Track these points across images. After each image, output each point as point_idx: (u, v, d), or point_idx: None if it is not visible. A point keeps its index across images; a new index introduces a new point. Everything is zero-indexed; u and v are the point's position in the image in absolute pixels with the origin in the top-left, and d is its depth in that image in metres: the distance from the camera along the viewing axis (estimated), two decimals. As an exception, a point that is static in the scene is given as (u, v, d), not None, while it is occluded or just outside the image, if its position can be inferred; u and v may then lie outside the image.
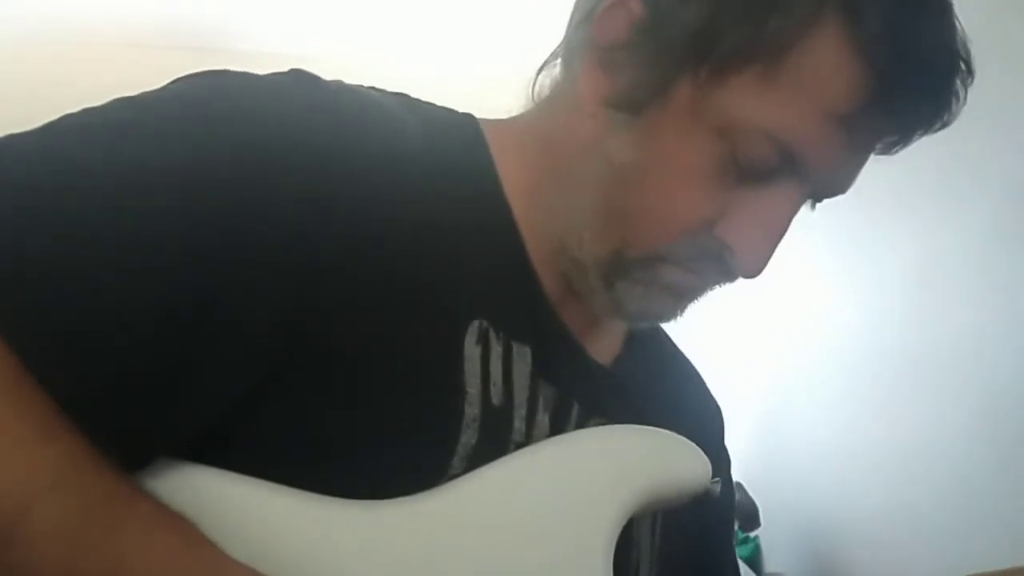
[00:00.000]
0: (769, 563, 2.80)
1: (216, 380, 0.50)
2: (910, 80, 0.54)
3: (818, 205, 0.62)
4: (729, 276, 0.61)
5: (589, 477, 0.58)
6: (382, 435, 0.53)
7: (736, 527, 2.67)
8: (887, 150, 0.59)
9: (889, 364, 2.19)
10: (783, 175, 0.56)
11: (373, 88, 0.62)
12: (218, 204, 0.50)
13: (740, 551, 2.73)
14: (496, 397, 0.56)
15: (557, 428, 0.61)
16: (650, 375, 0.72)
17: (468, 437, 0.55)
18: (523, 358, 0.58)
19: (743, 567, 2.71)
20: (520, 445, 0.57)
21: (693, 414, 0.74)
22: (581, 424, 0.63)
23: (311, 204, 0.51)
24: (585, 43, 0.59)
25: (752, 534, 2.79)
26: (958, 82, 0.56)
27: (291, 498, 0.52)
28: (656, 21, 0.56)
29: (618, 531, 0.57)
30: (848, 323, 2.38)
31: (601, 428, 0.63)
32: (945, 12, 0.57)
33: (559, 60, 0.63)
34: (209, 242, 0.49)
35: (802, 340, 2.62)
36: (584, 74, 0.59)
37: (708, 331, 3.37)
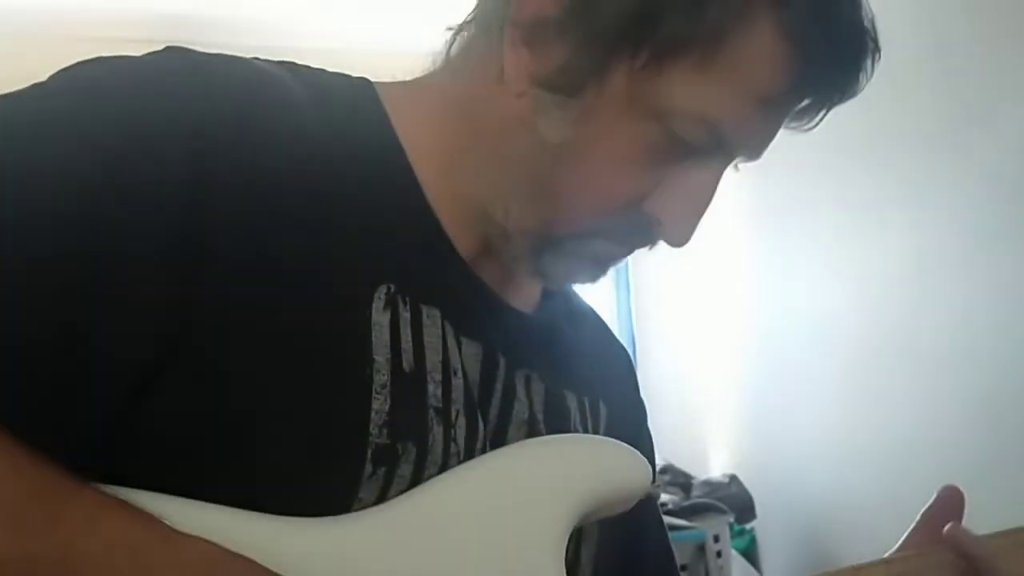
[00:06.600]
0: (765, 554, 2.81)
1: (113, 365, 0.49)
2: (831, 60, 0.57)
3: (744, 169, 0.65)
4: (653, 243, 0.62)
5: (536, 489, 0.58)
6: (290, 413, 0.52)
7: (732, 520, 2.68)
8: (797, 121, 0.62)
9: (883, 356, 2.20)
10: (710, 152, 0.58)
11: (256, 58, 0.61)
12: (101, 204, 0.50)
13: (736, 543, 2.73)
14: (407, 363, 0.56)
15: (487, 385, 0.61)
16: (569, 322, 0.73)
17: (380, 404, 0.54)
18: (433, 321, 0.58)
19: (740, 559, 2.72)
20: (438, 410, 0.57)
21: (611, 360, 0.78)
22: (510, 378, 0.63)
23: (196, 186, 0.51)
24: (504, 14, 0.58)
25: (748, 526, 2.80)
26: (869, 59, 0.60)
27: (224, 515, 0.51)
28: (587, 1, 0.56)
29: (566, 540, 0.57)
30: (842, 316, 2.38)
31: (545, 438, 0.63)
32: None
33: (473, 23, 0.62)
34: (100, 235, 0.49)
35: (796, 333, 2.63)
36: (508, 49, 0.58)
37: (705, 327, 3.37)
